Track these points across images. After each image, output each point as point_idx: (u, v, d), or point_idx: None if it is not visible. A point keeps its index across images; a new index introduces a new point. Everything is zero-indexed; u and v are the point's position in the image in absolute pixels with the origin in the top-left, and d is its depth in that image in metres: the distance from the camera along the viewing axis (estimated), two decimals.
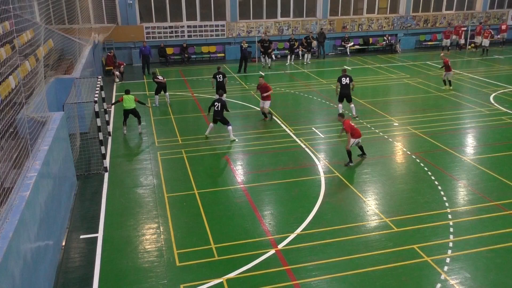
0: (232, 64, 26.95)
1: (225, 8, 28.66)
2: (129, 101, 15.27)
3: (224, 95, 16.34)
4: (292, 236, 9.54)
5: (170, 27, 27.79)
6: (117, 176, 12.55)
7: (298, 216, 10.29)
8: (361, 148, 13.33)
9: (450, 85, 20.74)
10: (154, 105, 18.92)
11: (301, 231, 9.70)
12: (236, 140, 14.89)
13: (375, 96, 20.10)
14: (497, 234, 9.49)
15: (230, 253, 8.99)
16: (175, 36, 27.92)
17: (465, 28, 31.22)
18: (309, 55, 27.89)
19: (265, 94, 16.58)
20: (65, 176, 10.57)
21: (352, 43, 30.49)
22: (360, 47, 31.01)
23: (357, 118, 16.75)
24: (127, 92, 15.51)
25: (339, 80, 16.56)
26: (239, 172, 12.78)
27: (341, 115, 13.43)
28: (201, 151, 14.09)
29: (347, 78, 16.46)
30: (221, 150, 14.23)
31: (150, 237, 9.64)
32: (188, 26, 28.04)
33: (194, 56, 28.48)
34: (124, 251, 9.17)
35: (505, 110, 17.63)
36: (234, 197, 11.33)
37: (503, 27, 31.95)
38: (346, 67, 26.03)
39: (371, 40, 31.28)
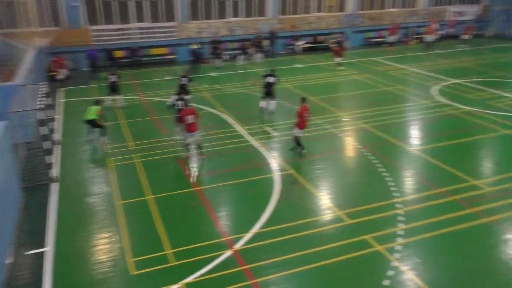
0: (182, 66, 26.64)
1: (175, 9, 28.35)
2: (89, 112, 14.55)
3: (187, 96, 15.88)
4: (248, 235, 9.58)
5: (119, 29, 27.14)
6: (67, 186, 12.14)
7: (254, 215, 10.34)
8: (298, 143, 13.62)
9: (338, 65, 24.59)
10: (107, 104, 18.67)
11: (257, 230, 9.77)
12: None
13: (325, 93, 20.50)
14: (443, 219, 9.96)
15: (187, 257, 8.91)
16: (124, 38, 27.31)
17: (437, 26, 32.50)
18: (261, 54, 28.07)
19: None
20: (8, 189, 10.10)
21: (303, 42, 30.96)
22: (310, 45, 31.53)
23: (273, 114, 17.52)
24: (95, 102, 14.88)
25: (264, 76, 17.59)
26: (193, 174, 12.69)
27: (302, 99, 13.66)
28: (154, 156, 13.87)
29: (273, 78, 17.44)
30: (174, 153, 14.06)
31: (104, 247, 9.40)
32: (138, 28, 27.50)
33: (144, 59, 27.96)
34: (76, 263, 8.89)
35: (448, 102, 18.48)
36: (189, 200, 11.24)
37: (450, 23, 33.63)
38: (296, 65, 26.47)
39: (320, 38, 31.88)
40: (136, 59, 27.33)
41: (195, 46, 24.75)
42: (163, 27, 28.01)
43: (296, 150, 13.66)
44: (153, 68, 26.85)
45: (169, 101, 16.93)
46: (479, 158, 13.52)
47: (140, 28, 27.52)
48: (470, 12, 35.66)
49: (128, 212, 10.72)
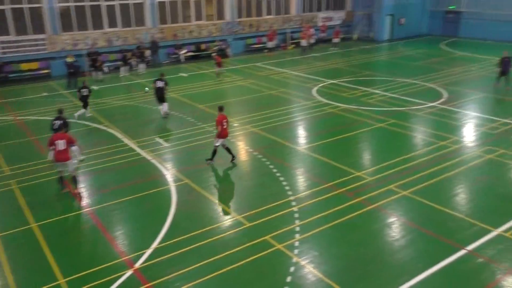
0: (59, 81, 24.92)
1: (43, 20, 26.29)
2: None
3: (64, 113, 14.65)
4: (148, 251, 9.26)
5: None
6: None
7: (153, 230, 10.03)
8: (228, 150, 13.44)
9: (219, 76, 24.63)
10: None
11: (157, 245, 9.48)
12: (84, 158, 13.89)
13: (213, 100, 20.66)
14: (334, 211, 10.65)
15: (83, 284, 8.31)
16: None
17: (313, 31, 34.42)
18: (144, 65, 27.37)
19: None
20: None
21: (185, 50, 30.88)
22: (194, 53, 31.58)
23: (167, 117, 17.96)
24: None
25: (155, 82, 18.04)
26: (83, 195, 11.90)
27: (220, 108, 13.42)
28: (35, 179, 12.70)
29: (162, 82, 17.85)
30: (58, 174, 13.01)
31: None
32: (1, 42, 24.97)
33: (13, 75, 25.47)
34: None
35: (326, 101, 19.86)
36: (79, 223, 10.53)
37: (323, 28, 36.13)
38: (181, 74, 26.32)
39: (203, 46, 32.11)
40: (3, 75, 24.79)
41: (70, 59, 23.23)
42: (31, 40, 25.81)
43: (210, 160, 13.48)
44: (25, 85, 24.60)
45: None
46: (359, 151, 14.74)
47: (3, 42, 25.03)
48: (336, 17, 38.79)
49: (9, 245, 9.66)
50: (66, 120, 13.83)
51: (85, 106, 17.98)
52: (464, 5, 37.04)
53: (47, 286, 8.28)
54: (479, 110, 18.22)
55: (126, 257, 9.11)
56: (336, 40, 34.17)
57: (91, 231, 10.17)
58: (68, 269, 8.74)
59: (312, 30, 34.05)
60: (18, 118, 18.62)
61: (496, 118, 16.93)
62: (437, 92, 20.94)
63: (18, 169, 13.39)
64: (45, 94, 22.47)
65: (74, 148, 13.37)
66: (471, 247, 9.15)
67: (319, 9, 38.25)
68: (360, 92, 21.25)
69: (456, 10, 37.83)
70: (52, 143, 11.36)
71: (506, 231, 9.67)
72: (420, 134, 15.67)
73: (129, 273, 8.61)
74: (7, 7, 25.01)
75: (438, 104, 19.03)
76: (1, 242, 9.76)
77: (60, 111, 13.99)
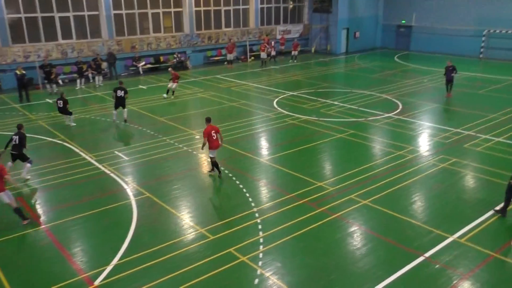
0: (10, 94, 23.95)
1: None
2: None
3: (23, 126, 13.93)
4: (109, 268, 8.98)
5: None
6: None
7: (113, 246, 9.75)
8: (215, 164, 13.25)
9: (173, 94, 23.13)
10: None
11: (118, 261, 9.21)
12: (29, 178, 13.29)
13: (174, 113, 20.50)
14: (297, 222, 10.73)
15: None
16: None
17: (274, 41, 34.86)
18: (101, 77, 26.78)
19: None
20: None
21: (144, 62, 30.51)
22: (152, 66, 31.24)
23: (126, 123, 18.56)
24: None
25: (115, 91, 18.60)
26: (38, 211, 11.43)
27: (207, 120, 13.25)
28: None
29: (122, 91, 18.51)
30: (12, 191, 12.37)
31: None
32: None
33: None
34: None
35: (287, 113, 20.11)
36: (35, 241, 10.08)
37: (281, 41, 36.70)
38: (141, 86, 25.94)
39: (162, 58, 31.84)
40: None
41: (20, 72, 22.35)
42: None
43: (215, 173, 13.38)
44: None
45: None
46: (320, 161, 14.97)
47: None
48: (294, 30, 39.55)
49: None
50: (23, 135, 13.29)
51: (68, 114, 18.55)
52: (414, 20, 38.71)
53: None
54: (433, 120, 18.99)
55: (85, 275, 8.79)
56: (294, 52, 34.80)
57: (47, 249, 9.75)
58: None
59: (272, 42, 34.54)
60: None
61: (448, 128, 17.69)
62: (392, 103, 21.67)
63: None
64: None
65: (28, 165, 12.97)
66: (428, 253, 9.44)
67: (277, 22, 38.88)
68: (320, 104, 21.67)
69: (407, 24, 39.48)
70: None
71: (461, 237, 10.06)
72: (378, 144, 16.13)
73: None
74: None
75: (394, 114, 19.69)
76: None
77: (19, 127, 13.40)
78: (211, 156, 13.18)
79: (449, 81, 22.71)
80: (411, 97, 22.86)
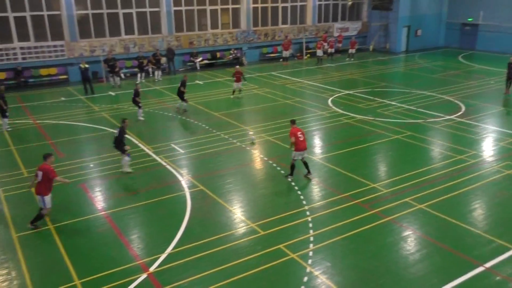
0: (77, 86, 25.30)
1: (62, 27, 26.78)
2: None
3: (127, 120, 13.82)
4: (163, 256, 9.31)
5: None
6: None
7: (167, 235, 10.08)
8: (305, 165, 12.99)
9: (240, 92, 22.84)
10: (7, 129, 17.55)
11: (171, 250, 9.52)
12: (130, 171, 13.58)
13: (228, 108, 20.81)
14: (348, 222, 10.58)
15: (98, 286, 8.39)
16: (6, 59, 25.10)
17: (333, 39, 34.56)
18: (160, 72, 27.66)
19: None
20: None
21: (201, 58, 31.15)
22: (209, 62, 31.83)
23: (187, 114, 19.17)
24: None
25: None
26: (98, 198, 12.03)
27: (292, 121, 13.07)
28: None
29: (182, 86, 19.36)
30: (75, 178, 13.18)
31: (0, 285, 8.46)
32: (21, 48, 25.47)
33: (32, 80, 25.96)
34: None
35: (342, 111, 19.82)
36: (95, 226, 10.61)
37: (339, 38, 36.19)
38: (197, 81, 26.53)
39: (218, 54, 32.36)
40: (22, 80, 25.26)
41: (83, 65, 23.54)
42: (50, 46, 26.28)
43: (308, 176, 13.07)
44: (44, 90, 25.04)
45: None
46: (375, 162, 14.64)
47: (23, 48, 25.52)
48: (352, 27, 38.81)
49: (27, 244, 9.81)
50: (123, 129, 13.43)
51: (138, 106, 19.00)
52: (481, 18, 36.79)
53: (63, 286, 8.36)
54: (498, 124, 18.00)
55: (141, 261, 9.16)
56: (352, 50, 34.17)
57: (107, 234, 10.25)
58: (84, 271, 8.83)
59: (331, 40, 34.14)
60: (37, 122, 18.92)
61: None
62: (454, 105, 20.76)
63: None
64: (63, 99, 22.82)
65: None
66: (488, 264, 8.99)
67: (335, 20, 38.33)
68: (376, 103, 21.17)
69: (473, 22, 37.60)
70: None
71: None
72: (437, 147, 15.52)
73: (143, 276, 8.65)
74: (27, 14, 25.53)
75: (456, 117, 18.86)
76: (19, 242, 9.90)
77: (123, 121, 13.64)
78: (296, 158, 12.78)
79: (510, 78, 22.27)
80: (475, 99, 21.78)
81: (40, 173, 10.11)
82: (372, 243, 9.81)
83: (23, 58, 25.51)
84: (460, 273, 8.69)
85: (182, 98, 19.71)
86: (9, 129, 17.50)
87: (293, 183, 12.69)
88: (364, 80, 26.96)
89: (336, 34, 37.01)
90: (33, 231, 10.33)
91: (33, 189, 10.71)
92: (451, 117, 18.87)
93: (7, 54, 25.06)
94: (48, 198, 10.31)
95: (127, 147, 13.47)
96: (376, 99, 22.00)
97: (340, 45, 36.25)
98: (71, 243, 9.82)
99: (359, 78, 27.73)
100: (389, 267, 8.99)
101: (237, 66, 24.21)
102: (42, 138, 16.87)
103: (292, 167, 12.93)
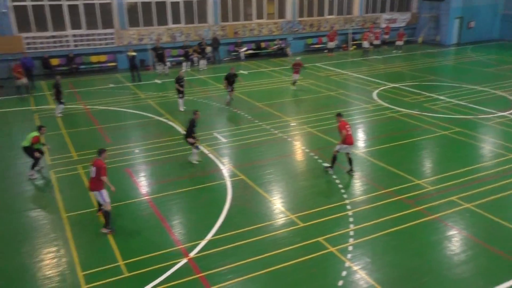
0: (125, 73, 26.00)
1: (112, 15, 27.55)
2: (26, 138, 12.62)
3: (198, 112, 13.79)
4: (203, 242, 9.47)
5: (53, 36, 25.94)
6: (5, 201, 11.40)
7: (208, 222, 10.24)
8: (350, 161, 12.69)
9: (294, 85, 22.41)
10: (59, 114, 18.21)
11: (211, 237, 9.67)
12: (196, 163, 13.53)
13: (271, 99, 20.77)
14: (390, 218, 10.36)
15: (140, 268, 8.66)
16: (60, 46, 26.14)
17: (380, 30, 33.84)
18: (205, 61, 27.95)
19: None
20: None
21: (245, 48, 31.20)
22: (253, 52, 31.84)
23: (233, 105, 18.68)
24: (37, 128, 12.81)
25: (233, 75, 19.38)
26: (143, 183, 12.37)
27: (339, 114, 12.75)
28: None
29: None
30: (121, 163, 13.62)
31: (50, 261, 8.91)
32: (74, 35, 26.42)
33: (83, 67, 26.92)
34: (20, 281, 8.36)
35: (387, 105, 19.34)
36: (139, 210, 10.93)
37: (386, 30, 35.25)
38: (241, 71, 26.62)
39: (263, 44, 32.30)
40: (74, 67, 26.25)
41: (132, 53, 24.13)
42: (101, 34, 27.12)
43: (333, 170, 12.81)
44: (94, 76, 25.93)
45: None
46: (421, 158, 14.22)
47: (75, 35, 26.46)
48: (401, 19, 37.63)
49: (75, 224, 10.25)
50: (193, 121, 13.38)
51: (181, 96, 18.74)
52: None
53: (107, 266, 8.70)
54: None
55: (182, 246, 9.37)
56: (399, 42, 33.18)
57: (149, 218, 10.54)
58: (127, 252, 9.13)
59: (377, 31, 33.29)
60: (87, 107, 19.64)
61: None
62: (508, 101, 19.79)
63: (84, 155, 14.11)
64: (111, 85, 23.53)
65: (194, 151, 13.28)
66: None
67: (383, 10, 37.30)
68: (423, 98, 20.51)
69: None
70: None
71: None
72: (487, 145, 14.88)
73: (183, 261, 8.85)
74: (79, 2, 26.40)
75: (509, 114, 17.98)
76: (68, 221, 10.36)
77: (194, 112, 13.68)
78: (340, 151, 12.52)
79: None
80: None
81: (93, 169, 9.66)
82: (415, 241, 9.57)
83: (75, 45, 26.47)
84: (509, 277, 8.33)
85: (232, 89, 19.70)
86: (60, 115, 18.22)
87: (334, 176, 12.55)
88: (411, 73, 26.15)
89: (383, 25, 36.03)
90: (81, 211, 10.75)
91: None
92: (504, 113, 18.00)
93: (60, 41, 26.08)
94: (105, 192, 9.78)
95: (193, 141, 13.14)
96: (424, 93, 21.30)
97: (387, 36, 35.24)
98: (116, 225, 10.16)
99: (406, 71, 26.92)
100: (432, 267, 8.74)
101: (298, 58, 23.85)
102: (91, 123, 17.50)
103: (334, 159, 12.74)
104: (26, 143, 12.53)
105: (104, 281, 8.28)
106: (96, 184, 9.69)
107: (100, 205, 10.16)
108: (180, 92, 18.64)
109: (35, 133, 12.54)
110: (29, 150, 12.48)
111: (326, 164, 13.08)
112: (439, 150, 14.78)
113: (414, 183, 12.09)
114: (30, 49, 25.18)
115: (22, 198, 11.60)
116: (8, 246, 9.48)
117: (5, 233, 9.94)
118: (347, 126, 12.47)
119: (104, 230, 9.84)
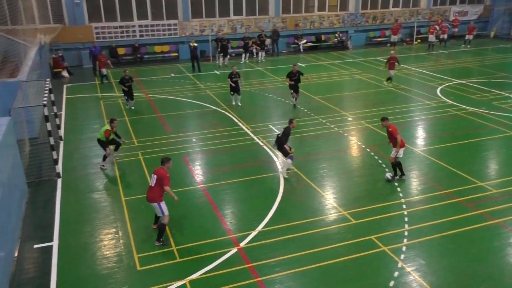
0: (185, 64, 26.68)
1: (177, 7, 28.30)
2: (100, 131, 13.05)
3: (294, 121, 12.65)
4: (253, 233, 9.57)
5: (121, 26, 27.12)
6: (71, 182, 12.13)
7: (259, 213, 10.33)
8: (400, 166, 11.79)
9: (387, 80, 21.30)
10: (131, 108, 18.50)
11: (262, 228, 9.75)
12: (286, 177, 12.30)
13: (329, 92, 20.49)
14: (448, 221, 9.93)
15: (191, 254, 8.91)
16: (126, 36, 27.29)
17: (447, 24, 32.50)
18: (263, 53, 28.04)
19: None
20: (14, 184, 10.09)
21: (305, 41, 30.93)
22: (313, 44, 31.49)
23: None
24: (110, 121, 13.07)
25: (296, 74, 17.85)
26: (198, 172, 12.68)
27: (385, 118, 11.75)
28: (158, 153, 13.80)
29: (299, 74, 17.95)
30: (179, 150, 14.05)
31: (109, 242, 9.39)
32: (140, 26, 27.47)
33: (147, 56, 27.95)
34: (81, 258, 8.88)
35: (451, 102, 18.46)
36: (193, 198, 11.23)
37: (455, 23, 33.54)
38: (300, 64, 26.43)
39: (323, 37, 31.86)
40: (139, 56, 27.30)
41: (193, 44, 24.67)
42: (165, 25, 27.98)
43: (398, 178, 11.90)
44: (156, 66, 26.85)
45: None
46: (485, 159, 13.48)
47: (141, 26, 27.49)
48: (472, 11, 35.62)
49: (133, 208, 10.71)
50: (287, 131, 12.32)
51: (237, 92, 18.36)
52: None
53: (162, 250, 9.03)
54: None
55: (233, 235, 9.53)
56: (469, 36, 31.45)
57: (203, 206, 10.80)
58: (180, 238, 9.42)
59: (444, 25, 31.75)
60: (149, 95, 20.39)
61: None
62: None
63: (144, 142, 14.69)
64: (172, 75, 24.24)
65: (288, 161, 12.11)
66: None
67: (452, 2, 35.48)
68: (492, 95, 19.36)
69: None
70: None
71: None
72: None
73: (233, 250, 9.00)
74: None
75: None
76: (127, 205, 10.85)
77: (290, 121, 12.50)
78: (397, 155, 11.61)
79: None
80: None
81: (154, 177, 9.03)
82: (475, 246, 9.11)
83: (141, 36, 27.52)
84: None
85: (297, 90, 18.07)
86: (133, 108, 18.70)
87: (390, 174, 12.17)
88: (480, 69, 24.73)
89: (451, 18, 34.28)
90: (139, 196, 11.20)
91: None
92: None
93: (127, 31, 27.22)
94: (164, 204, 9.16)
95: (289, 149, 12.10)
96: (493, 90, 20.09)
97: (456, 30, 33.51)
98: (170, 211, 10.41)
99: (474, 66, 25.50)
100: (493, 273, 8.29)
101: (392, 52, 23.04)
102: (152, 111, 18.16)
103: (396, 166, 11.85)
104: (100, 136, 12.85)
105: (157, 265, 8.61)
106: (155, 194, 9.04)
107: (157, 217, 9.68)
108: (232, 88, 18.24)
109: (107, 127, 12.84)
110: (102, 143, 12.83)
111: (388, 175, 11.96)
112: (507, 151, 13.90)
113: (476, 185, 11.49)
114: (99, 39, 26.47)
115: (87, 180, 12.28)
116: (73, 225, 10.08)
117: (71, 213, 10.58)
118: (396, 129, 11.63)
119: (157, 244, 9.18)
